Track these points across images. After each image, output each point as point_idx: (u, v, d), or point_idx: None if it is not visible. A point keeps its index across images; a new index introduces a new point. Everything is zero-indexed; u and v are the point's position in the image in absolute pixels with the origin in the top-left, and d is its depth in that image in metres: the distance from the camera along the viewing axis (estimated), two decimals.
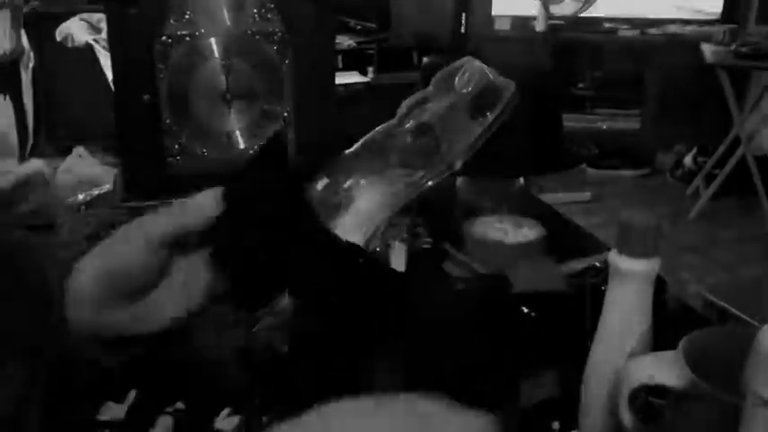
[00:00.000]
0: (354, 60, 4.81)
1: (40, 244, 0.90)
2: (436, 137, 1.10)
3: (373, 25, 4.94)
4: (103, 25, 3.81)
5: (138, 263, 0.81)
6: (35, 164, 1.67)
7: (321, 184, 1.23)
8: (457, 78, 1.15)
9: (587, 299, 0.97)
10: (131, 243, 0.81)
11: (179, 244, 0.82)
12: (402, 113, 1.18)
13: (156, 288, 0.82)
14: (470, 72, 1.13)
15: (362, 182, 1.18)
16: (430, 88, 1.18)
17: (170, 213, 0.81)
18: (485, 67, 1.13)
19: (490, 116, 1.11)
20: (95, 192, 1.68)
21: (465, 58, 1.15)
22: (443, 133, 1.10)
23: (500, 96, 1.10)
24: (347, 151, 1.25)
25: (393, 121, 1.17)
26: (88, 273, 0.82)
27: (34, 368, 0.81)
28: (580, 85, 6.03)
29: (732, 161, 4.87)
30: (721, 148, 5.08)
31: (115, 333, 0.82)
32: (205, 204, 0.81)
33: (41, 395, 0.80)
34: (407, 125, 1.15)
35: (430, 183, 1.17)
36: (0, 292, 0.81)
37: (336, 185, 1.18)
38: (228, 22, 1.60)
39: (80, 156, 1.80)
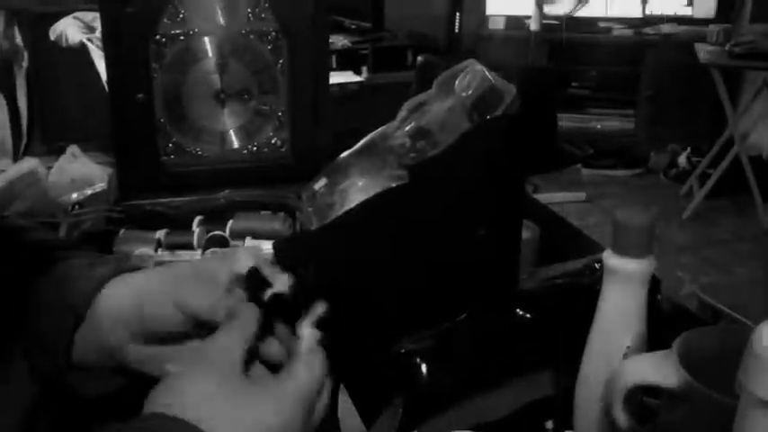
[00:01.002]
0: (349, 60, 4.81)
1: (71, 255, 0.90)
2: (435, 141, 1.10)
3: (368, 25, 4.94)
4: (97, 24, 3.80)
5: (167, 322, 0.81)
6: (29, 163, 1.67)
7: (319, 185, 1.23)
8: (458, 81, 1.14)
9: (582, 299, 0.97)
10: (167, 302, 0.80)
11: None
12: (402, 116, 1.17)
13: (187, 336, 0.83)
14: (472, 75, 1.13)
15: (359, 183, 1.19)
16: (431, 90, 1.18)
17: (212, 296, 0.79)
18: (486, 70, 1.12)
19: (490, 120, 1.11)
20: (89, 191, 1.68)
21: (467, 61, 1.15)
22: (442, 136, 1.10)
23: (501, 100, 1.09)
24: (347, 152, 1.25)
25: (393, 123, 1.17)
26: (125, 298, 0.82)
27: (46, 380, 0.82)
28: (574, 85, 6.03)
29: (726, 161, 4.87)
30: (715, 148, 5.09)
31: (127, 365, 0.82)
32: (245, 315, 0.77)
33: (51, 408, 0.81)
34: (407, 128, 1.15)
35: None
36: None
37: (334, 185, 1.19)
38: (223, 22, 1.60)
39: (74, 155, 1.80)
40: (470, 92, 1.12)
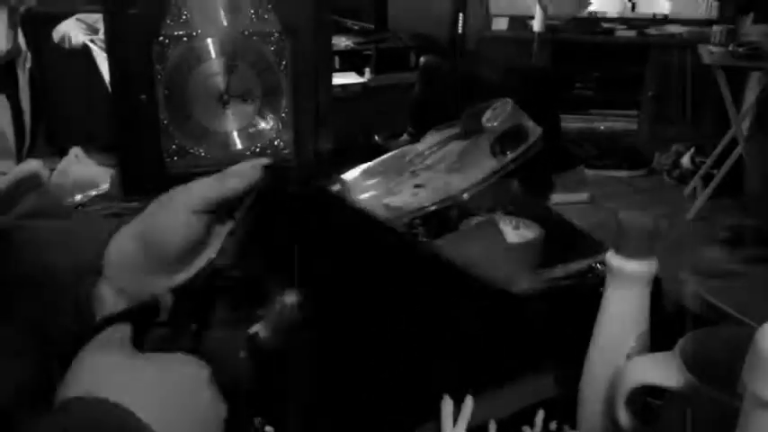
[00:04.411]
0: (352, 61, 4.81)
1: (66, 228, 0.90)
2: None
3: (370, 26, 4.95)
4: (100, 26, 3.81)
5: (179, 229, 0.80)
6: (32, 164, 1.67)
7: (335, 188, 1.24)
8: (487, 113, 1.15)
9: (585, 300, 0.97)
10: (171, 209, 0.81)
11: (219, 212, 0.83)
12: (427, 141, 1.18)
13: (198, 257, 0.83)
14: (501, 108, 1.14)
15: (367, 195, 1.19)
16: (460, 124, 1.19)
17: (210, 180, 0.81)
18: (517, 107, 1.13)
19: (510, 155, 1.11)
20: (92, 192, 1.68)
21: (502, 100, 1.16)
22: (460, 167, 1.10)
23: (526, 138, 1.10)
24: (368, 163, 1.26)
25: (417, 147, 1.18)
26: (128, 238, 0.82)
27: (45, 358, 0.82)
28: (578, 86, 6.03)
29: (729, 161, 4.87)
30: (719, 148, 5.08)
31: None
32: (246, 172, 0.81)
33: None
34: (428, 159, 1.16)
35: (432, 208, 1.17)
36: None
37: (348, 193, 1.19)
38: (225, 23, 1.60)
39: (77, 156, 1.80)
40: (496, 123, 1.13)
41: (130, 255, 0.81)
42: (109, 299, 0.82)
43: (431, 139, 1.26)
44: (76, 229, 0.87)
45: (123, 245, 0.82)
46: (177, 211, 0.80)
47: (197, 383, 0.68)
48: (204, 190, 0.81)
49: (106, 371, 0.66)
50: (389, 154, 1.25)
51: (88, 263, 0.82)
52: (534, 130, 1.11)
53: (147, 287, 0.81)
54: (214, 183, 0.81)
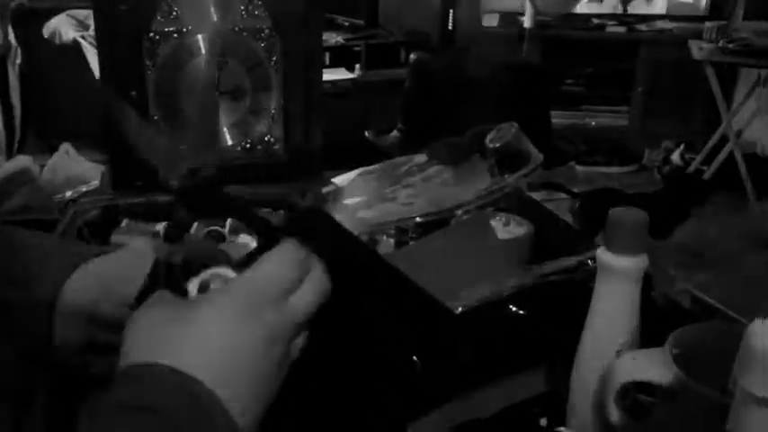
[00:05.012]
0: (342, 57, 4.81)
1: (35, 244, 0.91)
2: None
3: (361, 22, 4.94)
4: (91, 22, 3.80)
5: (135, 274, 0.81)
6: (22, 160, 1.67)
7: (327, 190, 1.25)
8: (492, 132, 1.15)
9: (575, 296, 0.97)
10: (129, 258, 0.82)
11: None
12: (428, 155, 1.18)
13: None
14: (507, 130, 1.14)
15: (357, 200, 1.20)
16: (465, 139, 1.20)
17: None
18: (521, 132, 1.13)
19: (508, 178, 1.11)
20: (83, 188, 1.67)
21: (509, 123, 1.16)
22: (455, 183, 1.11)
23: (526, 163, 1.10)
24: (364, 169, 1.26)
25: (417, 159, 1.18)
26: (88, 275, 0.83)
27: (32, 379, 0.82)
28: (568, 82, 6.03)
29: (720, 158, 4.88)
30: (709, 145, 5.09)
31: (107, 339, 0.82)
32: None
33: (42, 405, 0.81)
34: (426, 171, 1.16)
35: (420, 220, 1.18)
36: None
37: (340, 197, 1.20)
38: (216, 19, 1.60)
39: (67, 152, 1.80)
40: (498, 146, 1.13)
41: (86, 289, 0.83)
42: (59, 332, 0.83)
43: (432, 152, 1.26)
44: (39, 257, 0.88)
45: (81, 280, 0.83)
46: (131, 262, 0.81)
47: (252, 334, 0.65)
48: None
49: (163, 333, 0.63)
50: (388, 162, 1.26)
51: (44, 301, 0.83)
52: (536, 156, 1.11)
53: (100, 320, 0.82)
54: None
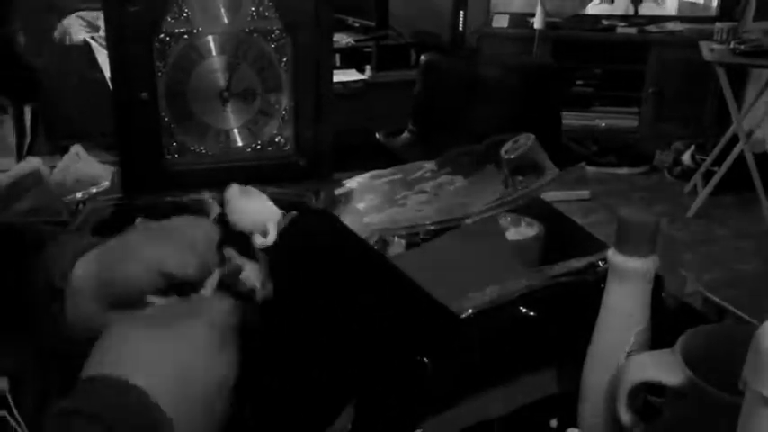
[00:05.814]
0: (352, 58, 4.81)
1: (49, 234, 0.91)
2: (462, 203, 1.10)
3: (371, 23, 4.94)
4: (101, 23, 3.81)
5: (140, 282, 0.81)
6: (33, 162, 1.67)
7: (341, 192, 1.24)
8: (508, 143, 1.15)
9: (586, 297, 0.97)
10: (138, 266, 0.81)
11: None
12: (440, 160, 1.18)
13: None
14: (524, 141, 1.14)
15: (372, 204, 1.20)
16: (480, 148, 1.20)
17: (177, 256, 0.82)
18: (538, 144, 1.13)
19: (520, 190, 1.11)
20: (93, 190, 1.67)
21: (526, 134, 1.16)
22: (468, 192, 1.11)
23: (541, 175, 1.10)
24: (376, 172, 1.26)
25: (430, 165, 1.18)
26: (91, 271, 0.82)
27: (25, 360, 0.82)
28: (578, 83, 6.03)
29: (730, 158, 4.87)
30: (719, 146, 5.09)
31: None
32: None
33: (34, 384, 0.81)
34: (439, 178, 1.16)
35: (432, 227, 1.18)
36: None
37: (351, 200, 1.20)
38: (226, 20, 1.60)
39: (77, 154, 1.79)
40: (514, 157, 1.13)
41: (88, 286, 0.83)
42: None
43: (446, 160, 1.26)
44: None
45: (84, 276, 0.83)
46: (135, 270, 0.81)
47: (210, 350, 0.70)
48: (170, 264, 0.81)
49: (128, 347, 0.67)
50: (400, 166, 1.26)
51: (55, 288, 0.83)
52: (552, 170, 1.11)
53: (100, 319, 0.82)
54: (186, 262, 0.82)
